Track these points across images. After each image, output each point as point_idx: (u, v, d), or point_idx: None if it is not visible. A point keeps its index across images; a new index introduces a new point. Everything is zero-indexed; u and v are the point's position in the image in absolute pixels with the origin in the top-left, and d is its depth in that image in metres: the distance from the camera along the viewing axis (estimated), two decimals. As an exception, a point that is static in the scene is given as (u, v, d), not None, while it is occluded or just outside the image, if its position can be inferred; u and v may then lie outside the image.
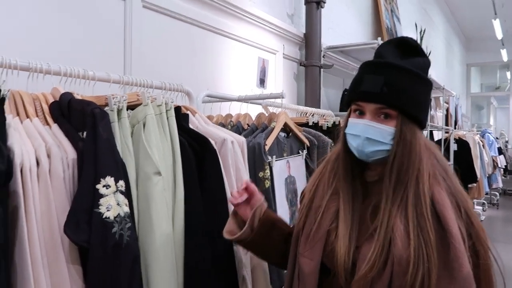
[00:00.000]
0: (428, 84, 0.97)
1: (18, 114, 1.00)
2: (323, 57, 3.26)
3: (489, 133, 7.62)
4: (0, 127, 0.86)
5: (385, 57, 0.97)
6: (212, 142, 1.29)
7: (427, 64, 0.98)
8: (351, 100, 0.98)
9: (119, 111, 1.02)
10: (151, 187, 1.03)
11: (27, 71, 1.08)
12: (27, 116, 1.01)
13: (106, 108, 1.00)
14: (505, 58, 10.28)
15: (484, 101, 13.87)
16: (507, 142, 10.18)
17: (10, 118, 0.94)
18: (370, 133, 0.93)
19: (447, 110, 5.80)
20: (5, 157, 0.79)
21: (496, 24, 7.82)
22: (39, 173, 0.87)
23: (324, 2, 3.17)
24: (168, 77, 1.57)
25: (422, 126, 0.96)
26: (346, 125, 0.99)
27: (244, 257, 1.32)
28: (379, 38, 3.21)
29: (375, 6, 4.63)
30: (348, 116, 1.00)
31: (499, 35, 8.58)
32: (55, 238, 0.85)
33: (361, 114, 0.96)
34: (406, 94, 0.92)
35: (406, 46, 0.98)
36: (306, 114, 2.36)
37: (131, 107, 1.16)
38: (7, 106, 0.95)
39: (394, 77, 0.92)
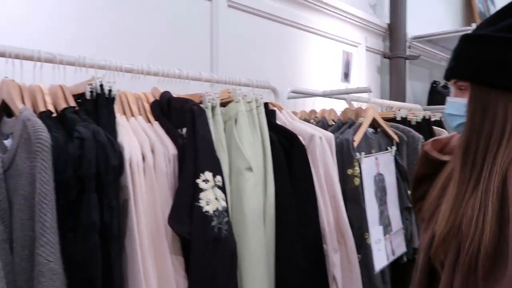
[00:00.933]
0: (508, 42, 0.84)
1: (124, 113, 1.08)
2: (408, 48, 3.08)
3: None
4: (112, 125, 0.93)
5: (479, 27, 0.91)
6: (300, 138, 1.28)
7: None
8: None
9: (213, 108, 1.06)
10: (243, 183, 1.05)
11: (131, 73, 1.16)
12: (132, 115, 1.08)
13: (201, 105, 1.04)
14: None
15: None
16: None
17: (118, 116, 1.02)
18: (450, 109, 0.94)
19: None
20: (117, 153, 0.85)
21: None
22: (145, 167, 0.93)
23: (411, -11, 2.99)
24: (253, 74, 1.60)
25: (505, 88, 0.84)
26: None
27: (334, 256, 1.30)
28: (474, 24, 2.94)
29: (466, -9, 4.26)
30: None
31: None
32: (160, 229, 0.90)
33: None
34: (475, 62, 0.85)
35: (506, 8, 0.88)
36: (392, 109, 2.25)
37: (223, 104, 1.19)
38: (115, 106, 1.03)
39: (463, 47, 0.88)
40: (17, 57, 0.96)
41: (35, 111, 0.92)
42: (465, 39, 0.88)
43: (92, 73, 1.04)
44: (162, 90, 1.14)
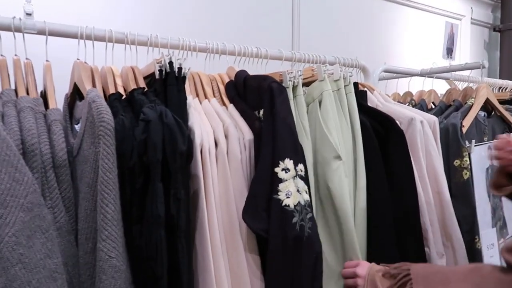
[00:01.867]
0: None
1: (197, 95, 0.99)
2: (524, 18, 2.61)
3: None
4: (181, 106, 0.84)
5: None
6: (397, 122, 1.09)
7: None
8: None
9: (294, 88, 0.92)
10: (330, 173, 0.90)
11: (205, 52, 1.07)
12: (206, 97, 0.99)
13: None
14: None
15: None
16: None
17: (191, 99, 0.93)
18: None
19: None
20: (186, 138, 0.76)
21: None
22: (218, 154, 0.83)
23: None
24: (339, 53, 1.42)
25: None
26: None
27: (439, 261, 1.09)
28: None
29: None
30: None
31: None
32: (233, 223, 0.79)
33: None
34: None
35: None
36: (505, 90, 1.90)
37: (306, 84, 1.04)
38: (187, 87, 0.94)
39: None
40: (88, 37, 0.91)
41: (105, 94, 0.86)
42: None
43: (166, 53, 0.97)
44: (237, 70, 1.03)
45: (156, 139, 0.71)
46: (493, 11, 2.67)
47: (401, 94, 1.74)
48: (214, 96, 1.01)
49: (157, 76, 0.86)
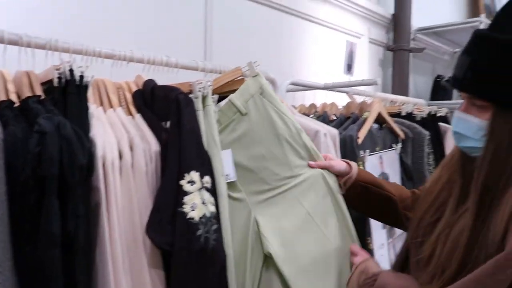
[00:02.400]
0: None
1: (101, 104, 0.95)
2: (412, 40, 2.95)
3: None
4: (83, 117, 0.80)
5: (492, 26, 0.72)
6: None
7: None
8: None
9: (204, 98, 0.93)
10: (307, 141, 1.03)
11: (111, 59, 1.03)
12: (111, 106, 0.95)
13: (190, 96, 0.91)
14: None
15: None
16: None
17: (94, 108, 0.89)
18: (459, 127, 0.78)
19: None
20: (86, 150, 0.72)
21: None
22: (122, 166, 0.81)
23: (416, -22, 2.86)
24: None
25: None
26: None
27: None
28: (482, 15, 2.81)
29: (471, -19, 4.13)
30: None
31: None
32: (136, 238, 0.78)
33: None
34: (500, 78, 0.68)
35: None
36: (395, 104, 2.13)
37: (224, 92, 1.06)
38: (91, 95, 0.90)
39: (482, 55, 0.71)
40: (-25, 38, 0.83)
41: (-6, 100, 0.79)
42: (484, 42, 0.71)
43: (67, 59, 0.91)
44: (145, 78, 1.01)
45: (52, 152, 0.67)
46: (387, 32, 2.97)
47: (307, 106, 1.85)
48: (120, 105, 0.97)
49: (55, 84, 0.81)
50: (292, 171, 1.00)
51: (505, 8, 0.72)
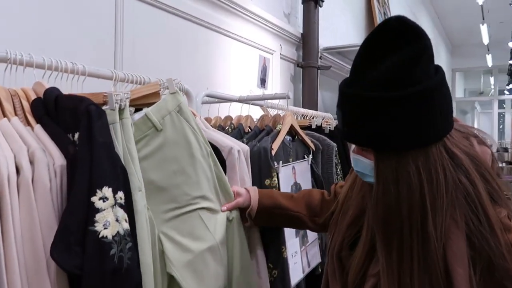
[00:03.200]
0: (398, 101, 0.69)
1: (-7, 113, 0.84)
2: (320, 58, 3.15)
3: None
4: (-30, 127, 0.70)
5: (354, 69, 0.77)
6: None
7: (400, 67, 0.69)
8: None
9: (121, 111, 0.88)
10: (216, 164, 1.07)
11: (4, 62, 0.92)
12: (4, 115, 0.85)
13: (105, 107, 0.85)
14: (489, 63, 10.39)
15: (468, 106, 14.07)
16: (491, 146, 10.25)
17: (-17, 117, 0.78)
18: (358, 166, 0.83)
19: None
20: (-24, 164, 0.63)
21: (484, 29, 7.87)
22: (20, 182, 0.71)
23: (323, 1, 3.06)
24: (162, 76, 1.44)
25: (425, 144, 0.71)
26: None
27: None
28: (378, 39, 3.11)
29: (368, 9, 4.57)
30: None
31: (485, 40, 8.66)
32: (39, 263, 0.69)
33: None
34: (368, 128, 0.72)
35: (390, 34, 0.72)
36: (306, 117, 2.24)
37: (137, 105, 1.01)
38: (-21, 103, 0.79)
39: (348, 110, 0.75)
40: None
41: None
42: (347, 99, 0.75)
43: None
44: (47, 86, 0.92)
45: None
46: (297, 49, 3.14)
47: (222, 118, 1.86)
48: (16, 114, 0.87)
49: None
50: (201, 191, 1.00)
51: (357, 62, 0.76)
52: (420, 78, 0.68)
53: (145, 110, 0.99)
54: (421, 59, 0.69)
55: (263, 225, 1.11)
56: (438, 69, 0.73)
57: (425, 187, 0.69)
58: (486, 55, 9.96)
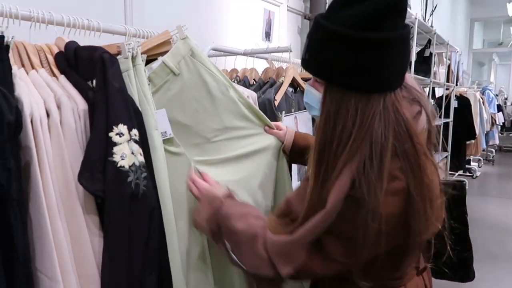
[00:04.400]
0: (360, 42, 0.75)
1: (23, 65, 0.96)
2: (327, 10, 3.15)
3: (489, 90, 7.54)
4: (6, 77, 0.82)
5: (326, 10, 0.82)
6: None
7: (363, 16, 0.75)
8: None
9: (133, 58, 0.98)
10: (233, 97, 1.14)
11: (29, 21, 1.02)
12: (33, 67, 0.97)
13: (119, 57, 0.95)
14: (510, 12, 9.98)
15: (486, 57, 13.64)
16: (506, 99, 10.06)
17: (16, 69, 0.90)
18: (307, 97, 0.92)
19: (449, 66, 5.70)
20: (13, 107, 0.76)
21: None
22: (50, 124, 0.85)
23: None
24: (168, 29, 1.52)
25: (370, 90, 0.78)
26: None
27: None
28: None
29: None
30: None
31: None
32: (70, 189, 0.84)
33: None
34: (326, 59, 0.78)
35: None
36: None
37: (150, 55, 1.12)
38: (10, 57, 0.91)
39: (314, 39, 0.80)
40: None
41: None
42: (317, 28, 0.80)
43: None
44: (67, 41, 1.03)
45: (-20, 110, 0.70)
46: (305, 1, 3.13)
47: (228, 71, 1.95)
48: (43, 67, 0.99)
49: (-26, 44, 0.82)
50: (223, 124, 1.12)
51: None
52: (387, 28, 0.75)
53: (161, 58, 1.09)
54: (394, 12, 0.75)
55: (295, 163, 1.24)
56: (406, 27, 0.80)
57: (355, 129, 0.77)
58: (507, 3, 9.54)
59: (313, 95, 0.88)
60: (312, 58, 0.81)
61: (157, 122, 0.97)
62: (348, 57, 0.76)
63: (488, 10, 11.10)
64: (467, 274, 1.28)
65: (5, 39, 0.84)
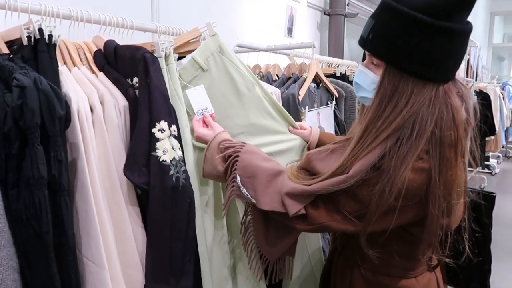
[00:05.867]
0: (428, 30, 0.79)
1: (65, 63, 1.01)
2: (347, 5, 3.15)
3: (510, 85, 7.40)
4: (54, 74, 0.87)
5: None
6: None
7: (436, 5, 0.78)
8: None
9: (166, 57, 1.02)
10: (259, 94, 1.14)
11: (69, 20, 1.07)
12: (74, 64, 1.01)
13: None
14: (532, 6, 9.74)
15: (506, 52, 13.36)
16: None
17: (60, 66, 0.95)
18: (358, 78, 0.92)
19: (468, 61, 5.61)
20: (63, 103, 0.80)
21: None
22: (94, 119, 0.89)
23: None
24: (194, 26, 1.55)
25: (420, 76, 0.81)
26: None
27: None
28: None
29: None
30: None
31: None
32: (113, 181, 0.88)
33: (365, 59, 0.92)
34: (392, 42, 0.80)
35: None
36: (331, 65, 2.32)
37: (180, 53, 1.15)
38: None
39: (382, 20, 0.82)
40: None
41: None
42: (386, 9, 0.81)
43: (25, 19, 0.95)
44: (105, 39, 1.07)
45: (33, 105, 0.74)
46: (324, -3, 3.14)
47: (251, 67, 1.98)
48: (83, 64, 1.04)
49: (25, 43, 0.86)
50: (249, 120, 1.14)
51: None
52: (455, 20, 0.78)
53: (191, 54, 1.13)
54: (464, 5, 0.79)
55: None
56: (468, 23, 0.83)
57: (405, 110, 0.81)
58: (529, -4, 9.32)
59: (367, 76, 0.89)
60: (377, 39, 0.83)
61: (197, 98, 1.03)
62: (417, 42, 0.79)
63: (509, 3, 10.85)
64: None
65: (54, 38, 0.88)
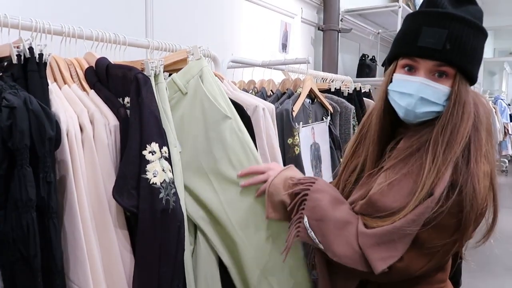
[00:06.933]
0: (485, 37, 0.88)
1: (55, 80, 0.99)
2: (341, 21, 3.17)
3: (501, 99, 7.50)
4: (44, 93, 0.85)
5: (440, 6, 0.86)
6: (245, 108, 1.28)
7: (481, 13, 0.88)
8: (402, 54, 0.89)
9: (156, 76, 1.01)
10: (225, 131, 1.03)
11: (60, 35, 1.06)
12: (65, 82, 1.00)
13: None
14: (522, 21, 9.91)
15: (496, 67, 13.55)
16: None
17: (50, 84, 0.93)
18: (425, 93, 0.85)
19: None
20: (53, 123, 0.79)
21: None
22: (84, 139, 0.87)
23: (345, -38, 3.05)
24: (189, 42, 1.55)
25: (474, 82, 0.89)
26: (389, 81, 0.92)
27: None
28: (401, 1, 3.10)
29: (393, -33, 4.45)
30: (393, 71, 0.91)
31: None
32: (102, 202, 0.86)
33: (411, 70, 0.88)
34: (467, 50, 0.84)
35: None
36: (325, 80, 2.32)
37: (168, 71, 1.13)
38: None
39: (458, 30, 0.84)
40: None
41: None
42: (456, 20, 0.84)
43: (15, 35, 0.93)
44: (97, 56, 1.06)
45: (23, 126, 0.73)
46: (318, 12, 3.16)
47: (246, 82, 1.97)
48: (73, 82, 1.02)
49: (14, 61, 0.85)
50: (214, 161, 1.04)
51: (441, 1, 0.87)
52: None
53: (173, 75, 1.09)
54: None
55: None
56: None
57: (475, 117, 0.86)
58: (519, 12, 9.49)
59: (435, 90, 0.86)
60: (456, 49, 0.84)
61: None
62: (481, 49, 0.88)
63: (499, 19, 11.03)
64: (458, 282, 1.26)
65: (44, 56, 0.87)
